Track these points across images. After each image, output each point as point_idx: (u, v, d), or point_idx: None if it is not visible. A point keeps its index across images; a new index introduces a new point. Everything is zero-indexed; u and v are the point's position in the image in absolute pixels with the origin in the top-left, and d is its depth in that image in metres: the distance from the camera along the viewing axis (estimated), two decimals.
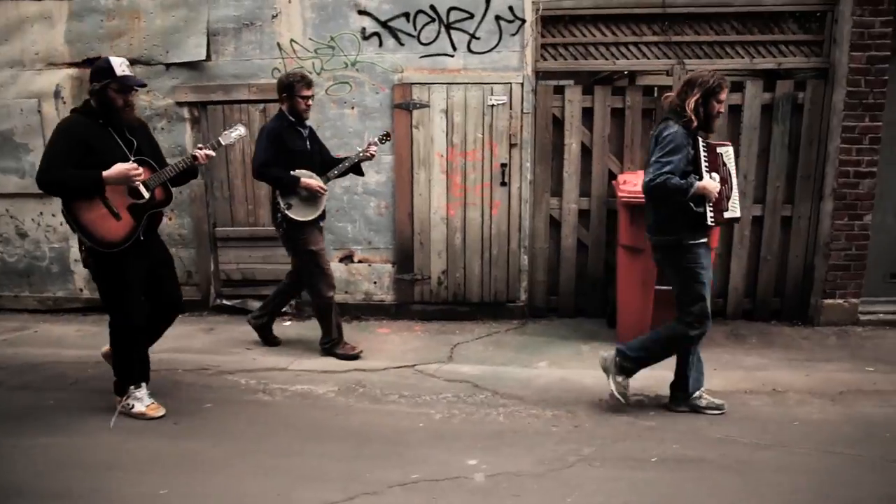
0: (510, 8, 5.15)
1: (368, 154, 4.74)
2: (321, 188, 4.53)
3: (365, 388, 4.37)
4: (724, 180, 3.68)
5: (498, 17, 5.16)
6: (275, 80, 5.20)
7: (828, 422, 3.85)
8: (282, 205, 4.48)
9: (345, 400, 4.21)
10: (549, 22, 5.31)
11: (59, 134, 3.55)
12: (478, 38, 5.20)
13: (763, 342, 5.14)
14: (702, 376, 3.97)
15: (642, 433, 3.75)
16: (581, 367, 4.70)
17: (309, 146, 4.60)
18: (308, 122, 4.64)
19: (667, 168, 3.53)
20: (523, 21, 5.16)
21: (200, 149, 3.82)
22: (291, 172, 4.46)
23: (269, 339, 5.06)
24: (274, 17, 5.26)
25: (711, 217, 3.64)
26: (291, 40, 5.26)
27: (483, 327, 5.50)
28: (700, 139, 3.63)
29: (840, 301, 5.39)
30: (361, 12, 5.20)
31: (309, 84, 4.49)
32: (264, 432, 3.78)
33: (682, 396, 3.97)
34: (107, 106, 3.53)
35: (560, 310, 5.66)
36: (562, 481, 3.26)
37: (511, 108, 5.28)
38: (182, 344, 5.06)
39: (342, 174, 4.76)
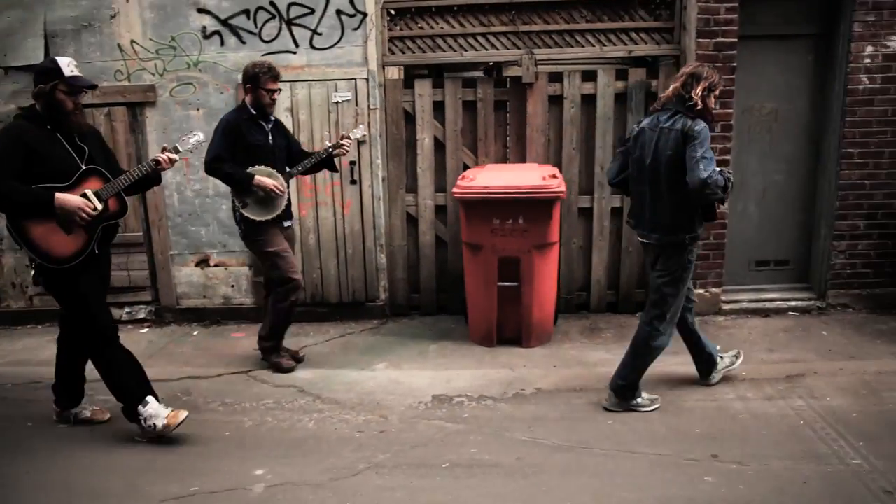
0: (351, 2, 5.03)
1: (342, 149, 4.44)
2: (276, 188, 4.18)
3: (190, 397, 4.29)
4: None
5: (339, 12, 5.05)
6: (118, 83, 5.12)
7: (643, 419, 3.79)
8: (237, 203, 4.24)
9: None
10: (397, 15, 5.20)
11: (2, 140, 3.25)
12: (320, 34, 5.09)
13: (618, 336, 5.07)
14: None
15: (447, 437, 3.69)
16: (419, 367, 4.64)
17: (272, 140, 4.29)
18: (272, 116, 4.33)
19: (713, 164, 3.38)
20: (365, 14, 5.05)
21: (164, 151, 3.53)
22: (249, 169, 4.15)
23: (280, 367, 4.57)
24: (112, 17, 5.12)
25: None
26: (132, 41, 5.13)
27: (339, 328, 5.43)
28: None
29: (701, 291, 5.32)
30: (201, 10, 5.07)
31: (276, 77, 4.19)
32: (67, 447, 3.67)
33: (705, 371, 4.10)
34: (55, 109, 3.26)
35: (422, 308, 5.59)
36: (340, 491, 3.21)
37: (357, 105, 5.18)
38: (27, 357, 4.97)
39: (309, 171, 4.48)
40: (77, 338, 3.64)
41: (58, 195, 3.21)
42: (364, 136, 4.80)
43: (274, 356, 4.53)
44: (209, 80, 5.19)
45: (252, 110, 4.22)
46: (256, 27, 5.06)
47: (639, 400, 3.83)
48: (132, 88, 5.18)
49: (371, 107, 5.18)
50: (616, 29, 5.13)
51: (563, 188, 4.53)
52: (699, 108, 3.44)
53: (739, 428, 3.64)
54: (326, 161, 4.48)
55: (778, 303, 5.44)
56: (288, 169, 4.36)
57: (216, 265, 5.49)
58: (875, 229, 5.30)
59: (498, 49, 5.18)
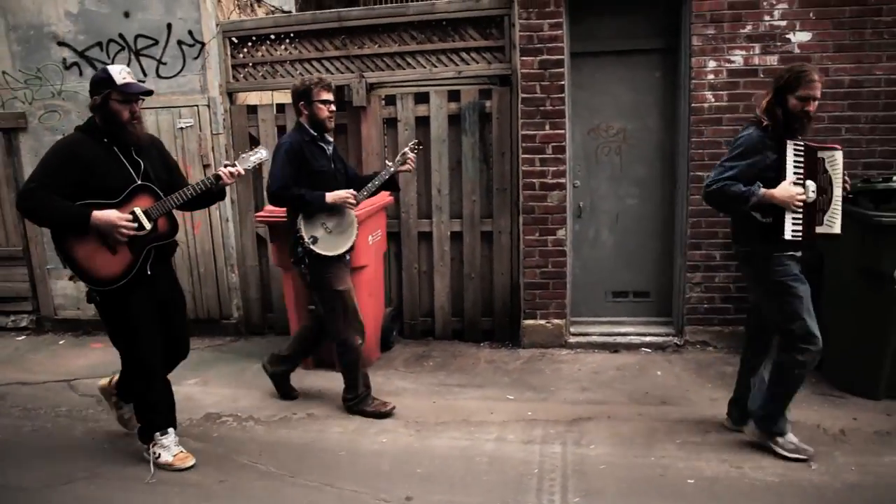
0: (189, 32, 5.23)
1: (407, 167, 4.08)
2: (350, 196, 3.83)
3: (2, 401, 4.55)
4: (823, 190, 3.23)
5: (180, 42, 5.26)
6: None
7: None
8: (305, 238, 3.78)
9: None
10: (239, 43, 5.36)
11: (51, 154, 3.14)
12: (164, 64, 5.32)
13: (440, 366, 4.92)
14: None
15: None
16: (224, 385, 4.71)
17: (333, 165, 3.95)
18: (330, 137, 4.02)
19: (728, 173, 3.23)
20: (203, 44, 5.23)
21: (226, 167, 3.37)
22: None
23: (288, 394, 4.37)
24: None
25: (794, 231, 3.22)
26: (3, 72, 5.57)
27: (193, 343, 5.54)
28: (792, 142, 3.24)
29: (542, 322, 5.06)
30: (61, 43, 5.44)
31: (328, 86, 3.85)
32: None
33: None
34: (111, 121, 3.12)
35: (276, 327, 5.64)
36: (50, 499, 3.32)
37: (200, 130, 5.35)
38: None
39: (373, 193, 4.08)
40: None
41: (95, 212, 3.06)
42: (419, 148, 4.34)
43: (367, 406, 4.06)
44: (72, 108, 5.54)
45: (311, 131, 3.85)
46: (109, 58, 5.36)
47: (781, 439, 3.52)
48: (6, 115, 5.62)
49: (214, 132, 5.34)
50: (447, 49, 5.04)
51: (359, 213, 4.39)
52: (757, 120, 3.30)
53: (464, 471, 3.44)
54: (390, 181, 4.11)
55: (632, 337, 5.06)
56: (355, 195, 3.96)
57: None
58: (733, 260, 4.82)
59: (332, 73, 5.21)
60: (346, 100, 5.21)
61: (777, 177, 3.22)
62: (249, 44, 5.32)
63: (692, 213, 4.81)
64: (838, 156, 3.25)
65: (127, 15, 5.26)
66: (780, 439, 3.45)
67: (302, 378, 4.63)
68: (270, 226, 4.67)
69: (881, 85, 4.59)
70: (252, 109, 5.38)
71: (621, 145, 5.00)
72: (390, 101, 5.19)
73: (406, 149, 4.13)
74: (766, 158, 3.23)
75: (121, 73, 3.13)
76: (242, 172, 3.40)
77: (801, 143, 3.25)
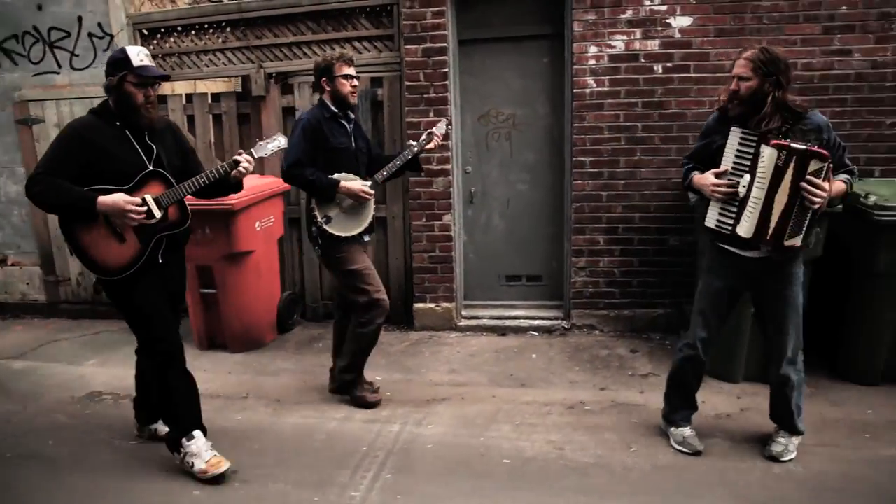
0: (99, 24, 5.43)
1: (433, 144, 3.96)
2: (364, 192, 3.71)
3: None
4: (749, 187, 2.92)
5: (91, 35, 5.46)
6: None
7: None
8: (319, 218, 3.70)
9: None
10: (150, 34, 5.53)
11: (60, 137, 3.03)
12: (77, 56, 5.53)
13: (326, 348, 5.01)
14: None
15: (55, 429, 3.88)
16: (119, 365, 4.78)
17: (354, 143, 3.82)
18: (353, 115, 3.87)
19: (689, 153, 3.31)
20: (112, 36, 5.42)
21: (241, 153, 3.24)
22: (331, 176, 3.69)
23: (360, 400, 4.02)
24: None
25: (719, 222, 3.05)
26: None
27: (106, 325, 5.79)
28: (737, 129, 2.96)
29: (432, 305, 5.16)
30: None
31: (349, 61, 3.74)
32: None
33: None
34: (125, 104, 2.99)
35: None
36: None
37: None
38: None
39: (394, 175, 3.95)
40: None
41: (101, 198, 2.93)
42: (450, 129, 4.16)
43: (356, 390, 3.99)
44: None
45: (333, 107, 3.74)
46: (25, 50, 5.58)
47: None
48: None
49: None
50: (340, 39, 5.13)
51: (234, 202, 4.55)
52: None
53: (297, 447, 3.56)
54: (411, 162, 3.97)
55: (521, 321, 5.13)
56: (373, 175, 3.84)
57: (13, 264, 6.09)
58: (617, 245, 4.87)
59: (235, 64, 5.35)
60: (247, 90, 5.35)
61: (717, 163, 3.06)
62: (159, 35, 5.48)
63: (575, 197, 4.85)
64: (766, 152, 2.85)
65: (40, 7, 5.47)
66: (672, 430, 3.46)
67: (194, 358, 4.79)
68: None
69: None
70: (162, 99, 5.54)
71: (511, 131, 5.05)
72: (289, 90, 5.30)
73: (434, 128, 3.99)
74: (714, 142, 3.10)
75: (139, 55, 2.98)
76: (253, 160, 3.26)
77: (750, 133, 2.92)
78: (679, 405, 3.45)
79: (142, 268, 3.09)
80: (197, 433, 3.27)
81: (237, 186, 3.40)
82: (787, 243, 2.90)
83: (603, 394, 4.09)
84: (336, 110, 3.75)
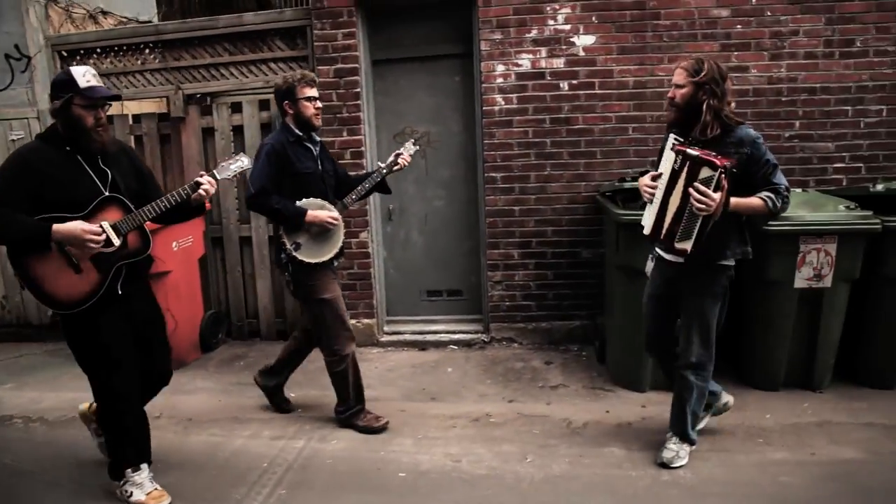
0: (16, 46, 5.43)
1: (401, 166, 3.91)
2: (332, 220, 3.62)
3: None
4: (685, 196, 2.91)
5: (7, 56, 5.46)
6: None
7: None
8: (287, 245, 3.59)
9: None
10: (69, 56, 5.54)
11: (6, 165, 2.86)
12: None
13: (248, 366, 5.04)
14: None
15: None
16: (37, 389, 4.81)
17: (321, 165, 3.73)
18: (318, 137, 3.77)
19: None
20: (29, 58, 5.42)
21: (202, 175, 3.06)
22: (298, 202, 3.57)
23: (281, 405, 4.18)
24: None
25: (650, 228, 3.09)
26: None
27: (31, 348, 5.72)
28: (673, 134, 3.04)
29: (353, 322, 5.18)
30: None
31: (312, 82, 3.63)
32: None
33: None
34: (73, 127, 2.81)
35: None
36: None
37: None
38: None
39: (363, 196, 3.91)
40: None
41: (55, 226, 2.75)
42: (418, 148, 4.12)
43: (359, 422, 3.88)
44: None
45: (296, 130, 3.63)
46: None
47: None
48: None
49: None
50: (257, 60, 5.20)
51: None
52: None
53: (201, 464, 3.59)
54: (380, 183, 3.94)
55: (441, 335, 5.20)
56: (342, 199, 3.80)
57: None
58: (531, 258, 4.97)
59: (155, 86, 5.38)
60: (167, 111, 5.38)
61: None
62: (78, 57, 5.49)
63: (488, 213, 4.95)
64: (667, 157, 3.00)
65: None
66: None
67: None
68: None
69: (664, 86, 4.69)
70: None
71: (426, 149, 5.14)
72: (208, 111, 5.35)
73: (402, 149, 3.96)
74: (662, 149, 3.13)
75: (84, 75, 2.80)
76: (215, 182, 3.08)
77: (675, 139, 3.01)
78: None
79: (101, 300, 2.91)
80: (143, 466, 3.20)
81: (199, 210, 3.21)
82: (678, 246, 2.98)
83: (510, 406, 4.16)
84: (300, 133, 3.64)
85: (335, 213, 3.66)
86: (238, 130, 5.29)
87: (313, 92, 3.61)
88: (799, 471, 3.25)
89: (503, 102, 4.81)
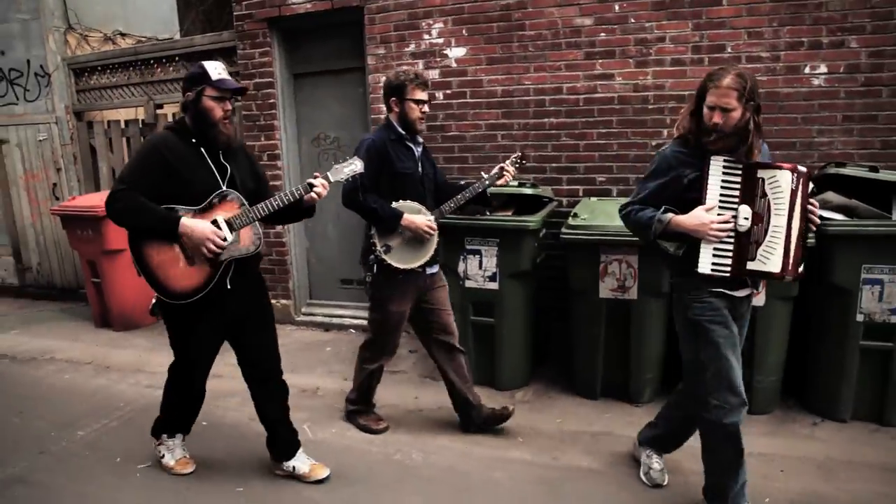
0: (41, 66, 6.78)
1: (503, 181, 3.76)
2: (428, 228, 3.47)
3: None
4: (759, 217, 2.62)
5: (36, 74, 6.83)
6: None
7: None
8: (378, 246, 3.47)
9: None
10: (80, 73, 6.81)
11: (138, 154, 2.97)
12: (28, 90, 6.92)
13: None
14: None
15: None
16: (31, 336, 6.04)
17: (421, 168, 3.60)
18: (421, 139, 3.66)
19: (639, 196, 2.81)
20: (49, 75, 6.76)
21: (316, 177, 3.06)
22: (394, 203, 3.46)
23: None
24: None
25: (715, 265, 2.67)
26: None
27: (54, 305, 7.12)
28: (718, 158, 2.65)
29: (274, 301, 5.98)
30: None
31: (425, 85, 3.53)
32: None
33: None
34: (202, 119, 2.88)
35: None
36: None
37: (53, 142, 6.90)
38: None
39: (461, 206, 3.68)
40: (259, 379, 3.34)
41: (184, 220, 2.82)
42: (523, 162, 4.03)
43: (361, 420, 4.00)
44: None
45: (399, 129, 3.54)
46: None
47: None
48: None
49: (63, 143, 6.87)
50: None
51: (100, 208, 5.64)
52: (678, 134, 2.81)
53: (76, 398, 4.51)
54: (481, 195, 3.74)
55: (346, 319, 5.84)
56: (440, 207, 3.62)
57: None
58: None
59: (135, 97, 6.50)
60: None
61: (700, 198, 2.68)
62: (85, 74, 6.74)
63: None
64: (783, 177, 2.58)
65: (3, 53, 6.91)
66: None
67: (86, 333, 5.97)
68: (61, 217, 6.04)
69: (530, 94, 4.96)
70: (90, 125, 6.81)
71: (336, 152, 5.76)
72: (173, 118, 6.35)
73: (507, 162, 3.83)
74: (683, 177, 2.70)
75: (216, 68, 2.91)
76: (328, 184, 3.09)
77: (734, 160, 2.64)
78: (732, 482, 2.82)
79: (209, 294, 2.94)
80: (179, 435, 3.49)
81: (310, 211, 3.23)
82: (801, 270, 2.68)
83: (343, 384, 4.59)
84: (403, 132, 3.54)
85: (432, 222, 3.51)
86: None
87: (423, 95, 3.52)
88: (522, 471, 3.43)
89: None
